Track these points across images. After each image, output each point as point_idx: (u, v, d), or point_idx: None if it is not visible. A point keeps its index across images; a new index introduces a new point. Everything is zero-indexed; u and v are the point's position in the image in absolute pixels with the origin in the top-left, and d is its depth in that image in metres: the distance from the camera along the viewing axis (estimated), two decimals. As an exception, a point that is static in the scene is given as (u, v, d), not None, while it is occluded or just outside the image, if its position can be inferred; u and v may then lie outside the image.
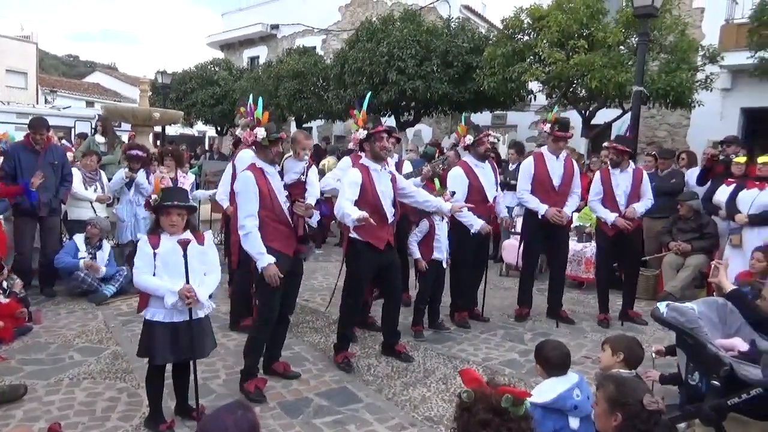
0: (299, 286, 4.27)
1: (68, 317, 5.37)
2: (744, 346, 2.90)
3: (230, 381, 4.00)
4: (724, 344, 2.91)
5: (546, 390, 2.65)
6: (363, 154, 4.97)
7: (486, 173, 5.35)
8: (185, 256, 3.11)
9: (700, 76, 9.91)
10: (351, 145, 4.85)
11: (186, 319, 3.17)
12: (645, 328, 5.51)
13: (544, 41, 9.91)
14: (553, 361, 2.80)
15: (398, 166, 5.69)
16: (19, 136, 7.67)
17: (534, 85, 11.13)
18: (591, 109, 10.59)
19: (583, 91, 10.24)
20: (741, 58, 10.02)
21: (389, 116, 13.28)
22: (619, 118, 10.44)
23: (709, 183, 6.64)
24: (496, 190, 5.50)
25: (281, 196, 3.79)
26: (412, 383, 4.10)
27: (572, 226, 6.49)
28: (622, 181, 5.53)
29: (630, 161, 5.63)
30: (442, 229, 5.03)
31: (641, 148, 10.66)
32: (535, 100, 11.99)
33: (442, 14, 15.90)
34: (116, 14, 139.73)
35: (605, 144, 6.09)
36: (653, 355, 3.73)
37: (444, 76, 11.82)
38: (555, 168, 5.45)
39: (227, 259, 5.63)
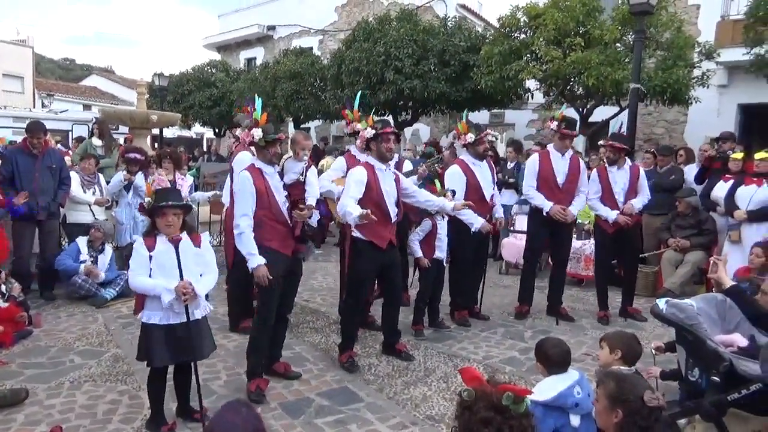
0: (298, 286, 4.28)
1: (68, 320, 5.37)
2: (743, 342, 2.91)
3: (231, 382, 4.01)
4: (723, 340, 2.92)
5: (547, 388, 2.65)
6: (356, 153, 4.98)
7: (483, 172, 5.36)
8: (177, 253, 3.11)
9: (696, 72, 9.92)
10: (358, 143, 4.85)
11: (183, 321, 3.16)
12: (644, 325, 5.53)
13: (541, 39, 9.91)
14: (553, 358, 2.80)
15: (398, 165, 5.69)
16: (17, 140, 7.66)
17: (531, 83, 11.13)
18: (588, 106, 10.59)
19: (580, 88, 10.24)
20: (737, 54, 10.04)
21: (387, 116, 13.28)
22: (616, 115, 10.45)
23: (706, 179, 6.66)
24: (493, 189, 5.50)
25: (280, 196, 3.80)
26: (413, 382, 4.10)
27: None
28: (619, 178, 5.55)
29: (626, 158, 5.65)
30: (442, 228, 5.04)
31: (638, 146, 10.67)
32: (532, 98, 12.00)
33: (439, 13, 15.90)
34: (111, 17, 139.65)
35: (601, 142, 6.10)
36: (653, 351, 3.74)
37: (441, 75, 11.81)
38: (560, 166, 5.46)
39: (226, 261, 5.62)
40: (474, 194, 5.22)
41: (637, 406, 2.14)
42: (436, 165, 5.66)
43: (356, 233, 4.21)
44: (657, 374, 3.59)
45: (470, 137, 5.22)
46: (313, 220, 4.03)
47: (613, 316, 5.74)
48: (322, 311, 5.80)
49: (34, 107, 25.37)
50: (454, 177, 5.20)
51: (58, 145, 9.96)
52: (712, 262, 3.52)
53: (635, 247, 5.91)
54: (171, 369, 3.37)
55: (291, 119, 16.71)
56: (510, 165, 8.59)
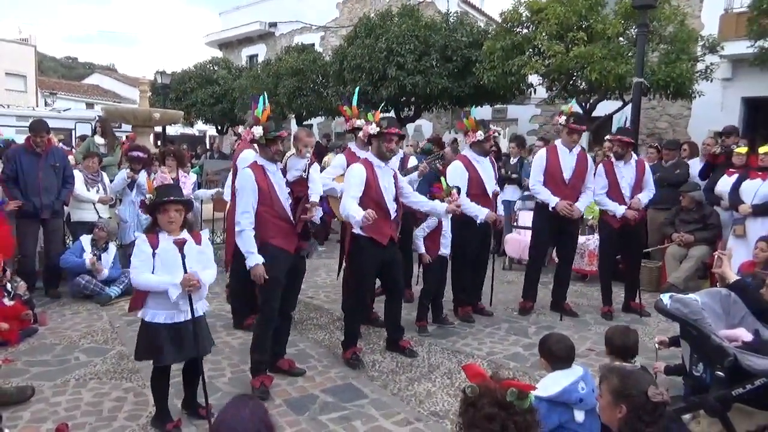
0: (301, 283, 4.29)
1: (73, 318, 5.40)
2: (748, 337, 2.91)
3: (236, 379, 4.02)
4: (728, 335, 2.91)
5: (551, 383, 2.65)
6: (356, 150, 4.95)
7: (485, 168, 5.35)
8: (182, 255, 3.11)
9: (700, 66, 9.86)
10: (360, 135, 4.80)
11: (188, 319, 3.17)
12: (649, 320, 5.52)
13: (543, 34, 9.88)
14: (557, 354, 2.80)
15: (404, 161, 5.69)
16: (20, 139, 7.68)
17: (534, 79, 11.10)
18: (591, 101, 10.55)
19: (583, 83, 10.21)
20: (741, 47, 9.98)
21: (389, 112, 13.26)
22: (619, 110, 10.41)
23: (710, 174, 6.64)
24: (495, 185, 5.49)
25: (282, 193, 3.80)
26: (417, 378, 4.11)
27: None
28: (626, 173, 5.53)
29: (633, 153, 5.63)
30: (446, 225, 5.04)
31: (642, 140, 10.64)
32: (535, 93, 11.96)
33: (441, 9, 15.83)
34: (113, 15, 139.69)
35: (608, 137, 6.07)
36: (657, 346, 3.73)
37: (443, 71, 11.79)
38: (567, 161, 5.43)
39: (226, 258, 5.63)
40: (477, 189, 5.21)
41: (641, 402, 2.14)
42: (435, 162, 5.64)
43: (357, 230, 4.21)
44: (661, 369, 3.59)
45: (480, 135, 5.20)
46: (316, 218, 4.04)
47: (617, 311, 5.73)
48: (326, 308, 5.81)
49: (37, 106, 25.45)
50: (457, 172, 5.18)
51: (61, 144, 9.98)
52: (716, 256, 3.51)
53: (640, 242, 5.90)
54: (174, 366, 3.38)
55: (293, 116, 16.70)
56: (513, 160, 8.57)
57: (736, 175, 6.00)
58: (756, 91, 11.48)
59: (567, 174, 5.43)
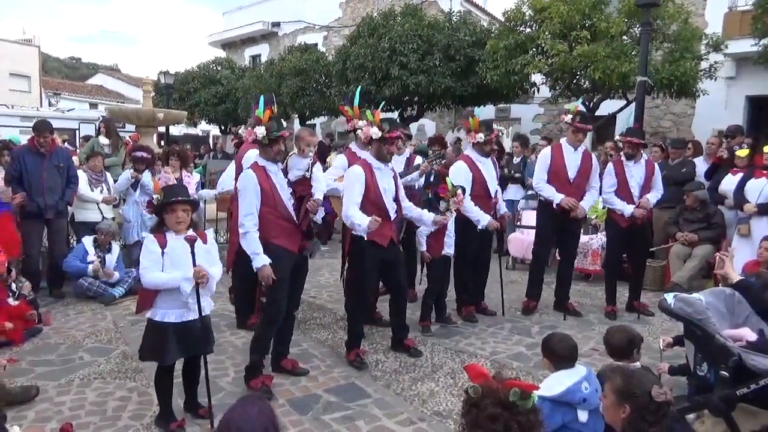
0: (304, 282, 4.29)
1: (77, 318, 5.41)
2: (752, 336, 2.89)
3: (239, 378, 4.02)
4: (732, 334, 2.90)
5: (554, 383, 2.64)
6: (357, 150, 4.94)
7: (488, 168, 5.34)
8: (193, 253, 3.12)
9: (704, 64, 9.83)
10: (362, 137, 4.76)
11: (196, 317, 3.20)
12: (652, 320, 5.51)
13: (547, 33, 9.86)
14: (559, 353, 2.80)
15: (410, 160, 5.68)
16: (24, 139, 7.69)
17: (537, 78, 11.08)
18: (595, 100, 10.53)
19: (587, 82, 10.18)
20: (745, 45, 9.94)
21: (392, 112, 13.26)
22: (623, 109, 10.39)
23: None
24: (497, 185, 5.48)
25: (285, 193, 3.79)
26: (421, 378, 4.11)
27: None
28: (636, 172, 5.51)
29: (642, 152, 5.62)
30: (450, 224, 5.03)
31: (646, 139, 10.58)
32: (538, 92, 11.94)
33: (443, 8, 15.83)
34: (116, 16, 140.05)
35: (618, 138, 6.05)
36: (661, 346, 3.72)
37: (446, 70, 11.78)
38: (572, 160, 5.42)
39: (228, 259, 5.63)
40: (479, 190, 5.21)
41: (644, 401, 2.13)
42: (435, 162, 5.62)
43: (357, 232, 4.20)
44: (665, 369, 3.58)
45: (480, 137, 5.19)
46: (318, 217, 4.03)
47: (621, 310, 5.72)
48: (329, 308, 5.82)
49: (41, 106, 25.46)
50: (460, 172, 5.18)
51: (66, 144, 10.02)
52: (717, 258, 3.50)
53: (646, 241, 5.88)
54: (178, 365, 3.39)
55: (296, 116, 16.72)
56: (516, 160, 8.56)
57: (740, 174, 5.97)
58: (760, 89, 11.44)
59: (572, 173, 5.41)
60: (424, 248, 5.03)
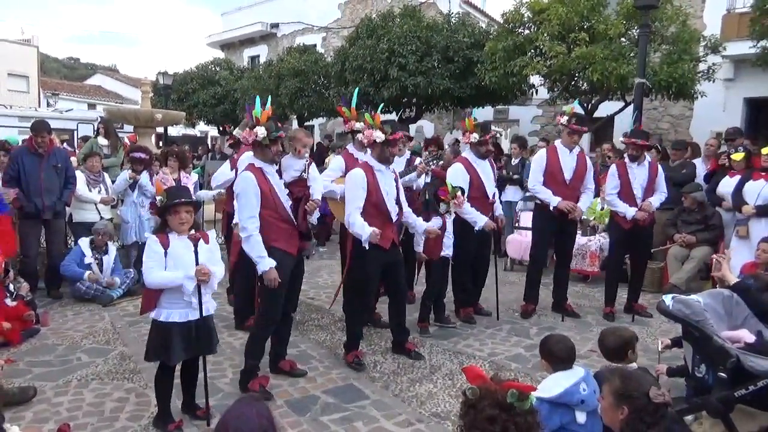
0: (301, 284, 4.28)
1: (75, 319, 5.40)
2: (750, 338, 2.90)
3: (237, 379, 4.01)
4: (730, 336, 2.91)
5: (552, 385, 2.65)
6: (354, 152, 4.92)
7: (485, 170, 5.34)
8: (196, 252, 3.14)
9: (702, 66, 9.84)
10: (364, 141, 4.73)
11: (200, 317, 3.20)
12: (651, 321, 5.51)
13: (545, 35, 9.86)
14: (557, 354, 2.80)
15: (410, 161, 5.68)
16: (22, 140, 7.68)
17: (535, 79, 11.08)
18: (593, 102, 10.54)
19: (585, 84, 10.18)
20: (743, 47, 9.96)
21: (391, 113, 13.26)
22: (621, 110, 10.40)
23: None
24: (494, 187, 5.48)
25: (282, 194, 3.78)
26: (419, 379, 4.10)
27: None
28: (639, 174, 5.49)
29: (646, 155, 5.61)
30: (449, 226, 5.04)
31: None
32: (536, 94, 11.95)
33: (442, 9, 15.84)
34: (115, 16, 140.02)
35: (622, 140, 6.04)
36: (659, 348, 3.73)
37: (445, 72, 11.78)
38: (567, 162, 5.42)
39: (228, 259, 5.63)
40: (477, 192, 5.21)
41: (642, 403, 2.13)
42: (431, 162, 5.61)
43: None
44: (663, 371, 3.58)
45: (474, 137, 5.19)
46: (314, 219, 4.02)
47: (619, 312, 5.72)
48: (327, 309, 5.81)
49: (39, 106, 25.46)
50: (458, 174, 5.18)
51: (64, 145, 10.01)
52: (714, 260, 3.50)
53: (648, 243, 5.87)
54: (177, 366, 3.39)
55: (295, 117, 16.71)
56: (514, 161, 8.56)
57: (738, 176, 5.99)
58: (758, 91, 11.47)
59: (567, 174, 5.41)
60: (421, 248, 5.02)
